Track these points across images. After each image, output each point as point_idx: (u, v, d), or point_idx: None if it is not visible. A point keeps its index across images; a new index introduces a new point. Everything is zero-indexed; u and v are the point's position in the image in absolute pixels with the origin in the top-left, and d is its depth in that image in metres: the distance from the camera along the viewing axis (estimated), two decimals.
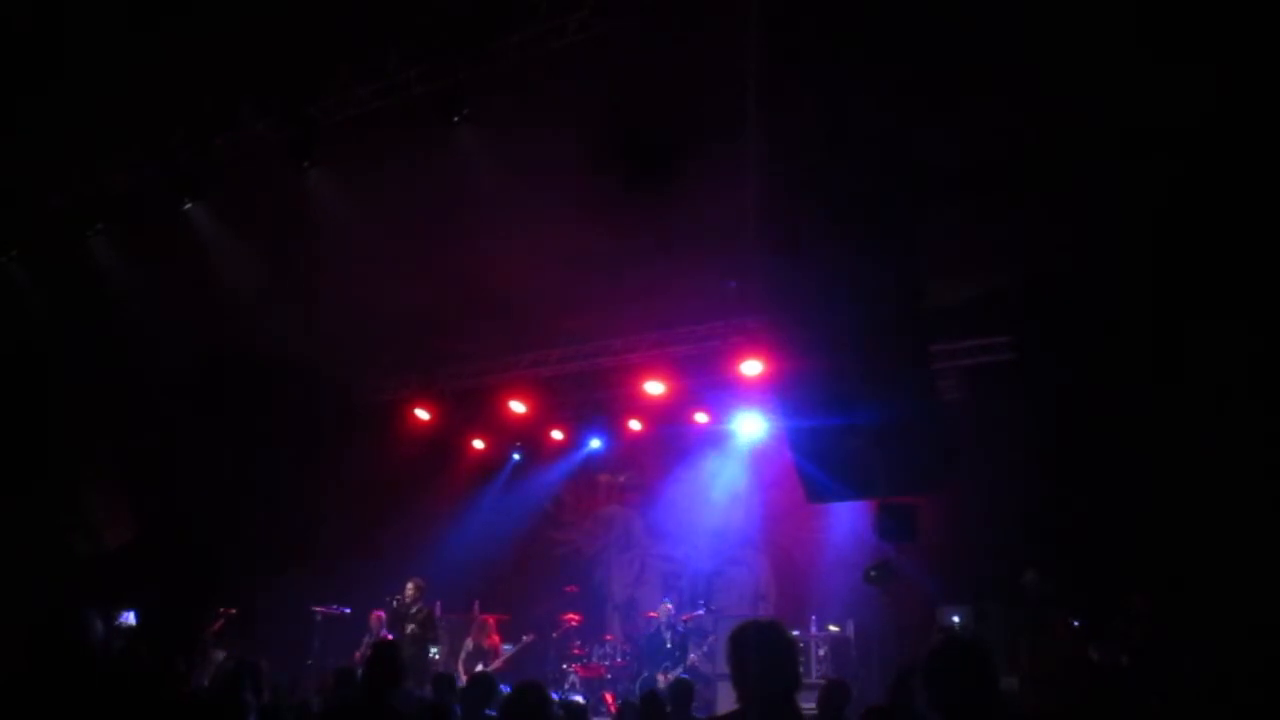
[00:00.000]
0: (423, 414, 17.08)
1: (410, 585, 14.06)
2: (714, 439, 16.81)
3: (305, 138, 9.92)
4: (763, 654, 4.04)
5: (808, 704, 7.85)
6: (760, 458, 16.16)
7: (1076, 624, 11.28)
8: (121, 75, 9.45)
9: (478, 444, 18.28)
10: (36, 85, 9.57)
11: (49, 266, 12.43)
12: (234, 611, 13.66)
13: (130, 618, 12.04)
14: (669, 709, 7.94)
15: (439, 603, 16.01)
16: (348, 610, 15.14)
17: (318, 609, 15.04)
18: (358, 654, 13.39)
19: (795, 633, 13.17)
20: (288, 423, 15.65)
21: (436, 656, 14.60)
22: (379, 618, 14.30)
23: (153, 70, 9.45)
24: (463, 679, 11.63)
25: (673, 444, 17.22)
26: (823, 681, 10.42)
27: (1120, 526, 11.58)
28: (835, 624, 14.02)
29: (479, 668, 13.51)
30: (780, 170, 9.40)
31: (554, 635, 15.40)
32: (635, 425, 17.10)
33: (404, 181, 10.86)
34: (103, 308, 12.90)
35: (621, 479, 17.98)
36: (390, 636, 13.62)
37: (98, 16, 8.64)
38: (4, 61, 9.27)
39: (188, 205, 10.81)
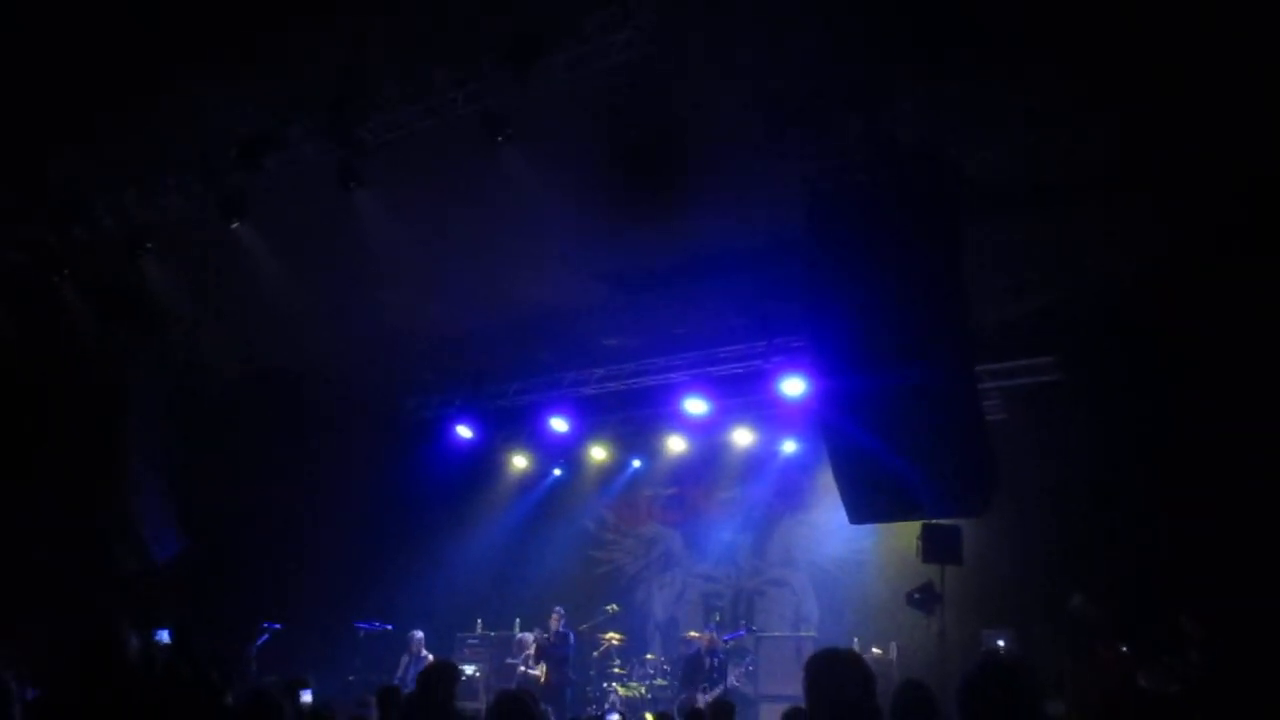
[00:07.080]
0: (465, 431, 17.12)
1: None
2: (756, 458, 16.75)
3: (353, 159, 10.01)
4: (845, 687, 3.99)
5: None
6: (802, 477, 16.07)
7: (1125, 650, 11.06)
8: (172, 98, 9.60)
9: (519, 462, 18.33)
10: (86, 110, 9.73)
11: (100, 285, 12.63)
12: (278, 626, 13.76)
13: (165, 636, 12.18)
14: None
15: (479, 620, 16.16)
16: (389, 627, 15.25)
17: (360, 625, 15.17)
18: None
19: None
20: (332, 440, 15.79)
21: None
22: (419, 637, 14.45)
23: (203, 92, 9.60)
24: None
25: (714, 463, 17.18)
26: None
27: (1171, 549, 11.36)
28: (878, 646, 13.87)
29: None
30: (824, 187, 9.40)
31: (594, 654, 15.42)
32: (677, 444, 17.10)
33: (449, 202, 10.95)
34: (151, 326, 13.08)
35: (663, 497, 17.91)
36: (431, 657, 13.72)
37: (145, 40, 8.77)
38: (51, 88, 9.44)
39: (235, 225, 10.93)
